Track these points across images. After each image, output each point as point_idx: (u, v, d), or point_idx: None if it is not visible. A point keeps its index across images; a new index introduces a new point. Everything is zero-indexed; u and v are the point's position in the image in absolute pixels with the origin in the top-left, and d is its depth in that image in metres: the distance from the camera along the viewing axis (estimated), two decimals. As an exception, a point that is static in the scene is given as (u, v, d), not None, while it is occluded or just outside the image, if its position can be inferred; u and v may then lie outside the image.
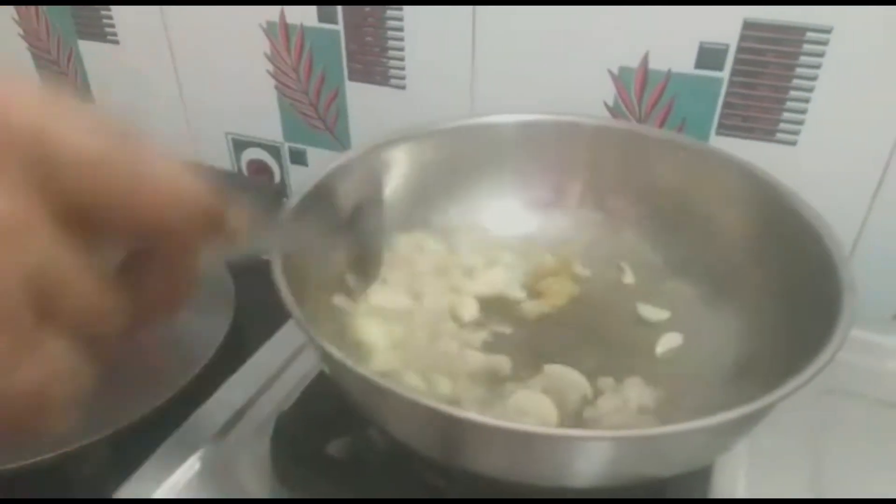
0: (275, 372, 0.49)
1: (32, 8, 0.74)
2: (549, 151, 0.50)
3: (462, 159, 0.49)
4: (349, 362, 0.31)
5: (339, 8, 0.60)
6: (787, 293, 0.40)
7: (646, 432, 0.32)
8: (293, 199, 0.40)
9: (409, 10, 0.58)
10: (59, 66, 0.77)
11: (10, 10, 0.76)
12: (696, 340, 0.45)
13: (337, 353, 0.32)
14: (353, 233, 0.44)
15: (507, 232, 0.51)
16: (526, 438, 0.31)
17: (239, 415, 0.46)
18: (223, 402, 0.47)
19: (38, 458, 0.43)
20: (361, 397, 0.35)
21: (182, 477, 0.42)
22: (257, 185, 0.43)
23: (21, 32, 0.77)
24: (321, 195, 0.42)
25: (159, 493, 0.41)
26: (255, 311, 0.54)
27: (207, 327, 0.55)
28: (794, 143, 0.52)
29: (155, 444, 0.44)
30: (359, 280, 0.45)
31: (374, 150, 0.46)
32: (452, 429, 0.32)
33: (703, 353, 0.44)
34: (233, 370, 0.50)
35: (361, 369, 0.31)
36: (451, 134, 0.48)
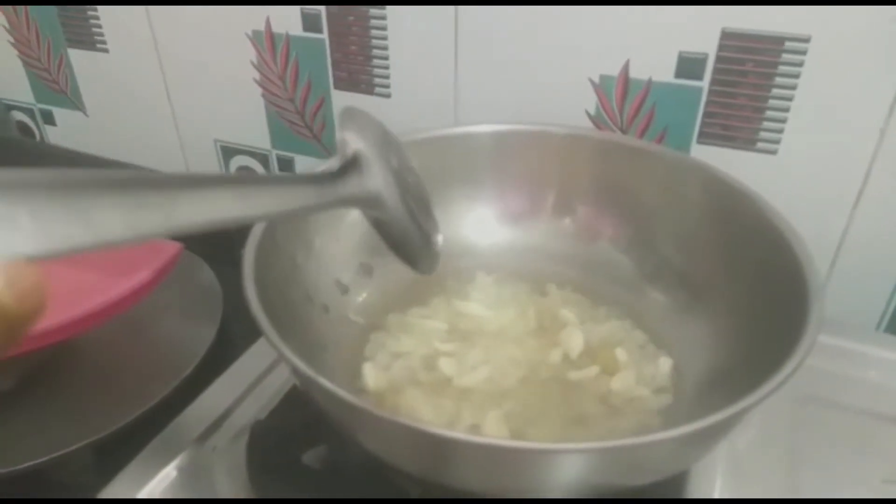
0: (255, 380, 0.49)
1: (23, 15, 0.75)
2: (523, 161, 0.50)
3: (436, 170, 0.48)
4: (320, 378, 0.31)
5: (324, 17, 0.60)
6: (759, 301, 0.40)
7: (612, 444, 0.32)
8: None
9: (392, 19, 0.58)
10: (49, 73, 0.78)
11: (0, 18, 0.76)
12: (669, 349, 0.45)
13: (306, 369, 0.32)
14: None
15: (482, 242, 0.51)
16: (494, 452, 0.31)
17: (217, 423, 0.46)
18: (202, 411, 0.47)
19: (23, 465, 0.43)
20: (333, 413, 0.35)
21: (158, 486, 0.42)
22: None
23: (12, 40, 0.78)
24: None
25: (135, 503, 0.41)
26: (243, 317, 0.54)
27: (195, 333, 0.55)
28: (774, 153, 0.52)
29: (140, 450, 0.44)
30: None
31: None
32: (421, 443, 0.32)
33: (676, 361, 0.44)
34: (220, 376, 0.50)
35: (331, 385, 0.31)
36: (425, 144, 0.48)
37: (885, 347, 0.51)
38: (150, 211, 0.21)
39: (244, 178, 0.26)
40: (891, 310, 0.55)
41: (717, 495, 0.42)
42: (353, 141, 0.30)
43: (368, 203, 0.30)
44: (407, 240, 0.32)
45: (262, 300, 0.35)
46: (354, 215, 0.46)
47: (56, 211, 0.19)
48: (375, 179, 0.29)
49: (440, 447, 0.31)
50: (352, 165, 0.29)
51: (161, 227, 0.21)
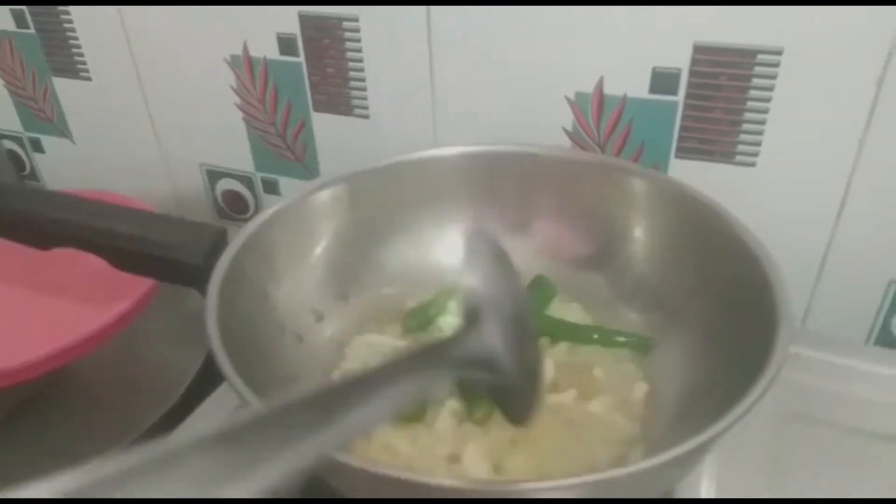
0: (236, 407, 0.49)
1: (6, 44, 0.75)
2: (494, 183, 0.50)
3: (405, 194, 0.49)
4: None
5: (300, 40, 0.60)
6: (731, 322, 0.40)
7: (583, 480, 0.31)
8: (226, 256, 0.39)
9: (367, 41, 0.58)
10: (35, 102, 0.78)
11: (-15, 49, 0.77)
12: (645, 370, 0.44)
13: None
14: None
15: (455, 264, 0.50)
16: (458, 493, 0.30)
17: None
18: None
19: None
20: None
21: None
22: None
23: (-3, 70, 0.78)
24: (258, 247, 0.41)
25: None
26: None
27: (184, 358, 0.55)
28: (753, 165, 0.51)
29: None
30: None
31: (308, 196, 0.46)
32: (386, 487, 0.31)
33: (652, 384, 0.43)
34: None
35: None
36: (392, 170, 0.48)
37: (874, 361, 0.50)
38: (309, 447, 0.21)
39: (383, 377, 0.25)
40: (880, 322, 0.54)
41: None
42: (474, 295, 0.29)
43: (487, 364, 0.28)
44: (515, 396, 0.31)
45: (226, 343, 0.35)
46: (322, 247, 0.46)
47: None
48: (495, 337, 0.28)
49: (407, 490, 0.31)
50: (473, 321, 0.28)
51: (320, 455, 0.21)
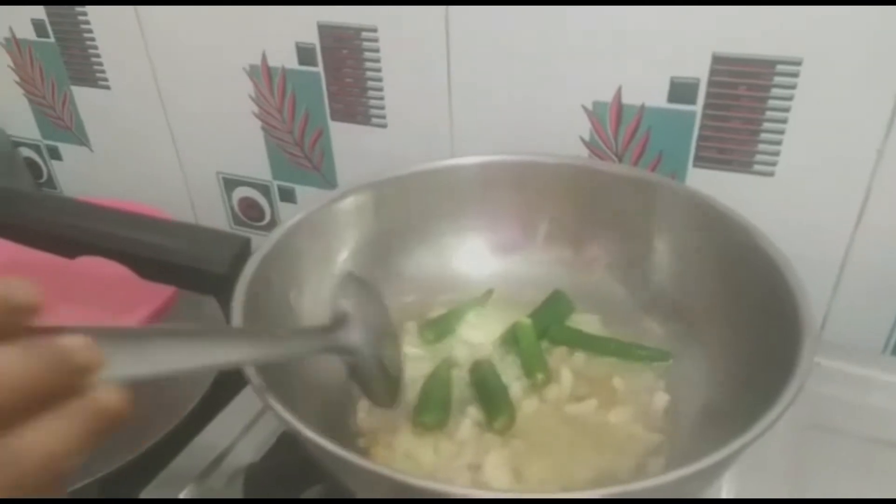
0: (253, 419, 0.49)
1: (27, 54, 0.76)
2: (513, 192, 0.50)
3: (426, 203, 0.49)
4: (309, 432, 0.31)
5: (319, 50, 0.61)
6: (752, 333, 0.40)
7: (601, 493, 0.31)
8: (250, 265, 0.40)
9: (385, 51, 0.59)
10: (54, 110, 0.79)
11: (6, 58, 0.78)
12: (665, 380, 0.45)
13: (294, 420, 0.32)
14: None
15: (474, 274, 0.51)
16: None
17: (215, 464, 0.46)
18: (199, 451, 0.47)
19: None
20: (321, 461, 0.35)
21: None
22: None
23: (17, 79, 0.79)
24: (282, 255, 0.42)
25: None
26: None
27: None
28: (772, 175, 0.52)
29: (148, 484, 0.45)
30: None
31: (331, 204, 0.46)
32: (408, 494, 0.31)
33: (673, 394, 0.44)
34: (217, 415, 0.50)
35: (320, 439, 0.31)
36: (413, 179, 0.48)
37: (891, 371, 0.50)
38: (191, 355, 0.28)
39: (264, 332, 0.36)
40: (897, 331, 0.54)
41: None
42: (344, 305, 0.39)
43: (349, 351, 0.38)
44: (373, 384, 0.40)
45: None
46: (344, 255, 0.47)
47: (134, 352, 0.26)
48: (357, 336, 0.38)
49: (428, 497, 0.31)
50: (341, 322, 0.38)
51: (197, 364, 0.29)
